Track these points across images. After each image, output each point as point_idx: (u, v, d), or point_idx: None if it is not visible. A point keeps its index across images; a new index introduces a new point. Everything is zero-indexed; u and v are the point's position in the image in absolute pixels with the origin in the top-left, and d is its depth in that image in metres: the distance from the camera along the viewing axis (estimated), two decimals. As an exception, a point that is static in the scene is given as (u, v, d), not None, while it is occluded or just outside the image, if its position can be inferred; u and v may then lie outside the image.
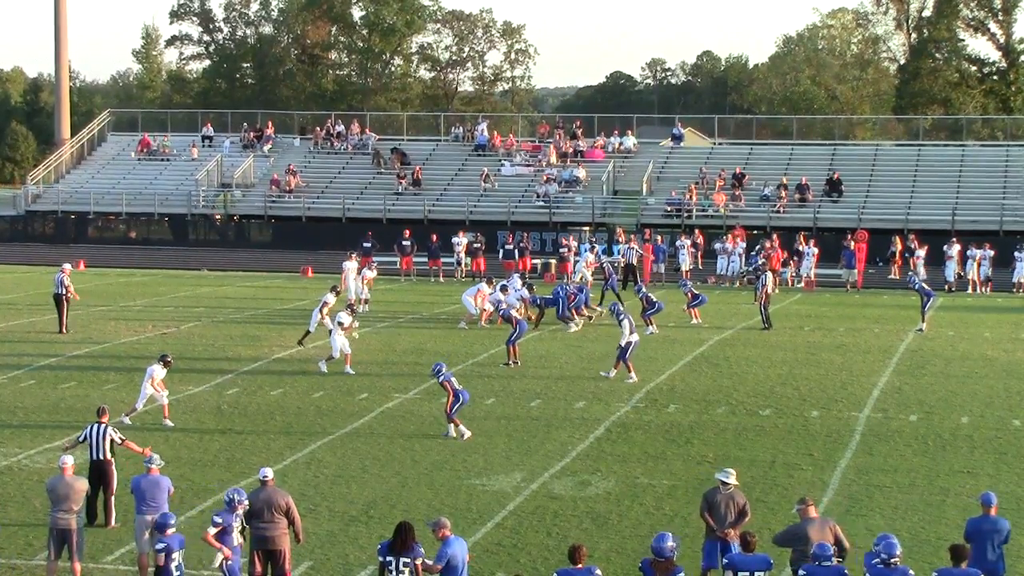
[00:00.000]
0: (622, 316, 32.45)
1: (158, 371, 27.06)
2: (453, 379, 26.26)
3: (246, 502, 16.95)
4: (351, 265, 45.14)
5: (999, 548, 16.27)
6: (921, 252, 53.10)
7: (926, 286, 40.78)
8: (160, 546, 16.05)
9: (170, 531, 16.20)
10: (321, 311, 35.87)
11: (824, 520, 16.35)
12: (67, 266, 40.54)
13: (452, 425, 26.04)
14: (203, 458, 24.39)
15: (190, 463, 23.83)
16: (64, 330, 38.93)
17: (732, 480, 17.36)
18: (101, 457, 20.37)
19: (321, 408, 28.66)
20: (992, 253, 52.54)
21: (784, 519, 20.60)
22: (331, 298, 36.31)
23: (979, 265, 52.10)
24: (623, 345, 31.79)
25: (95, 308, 44.88)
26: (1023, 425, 27.44)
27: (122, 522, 20.03)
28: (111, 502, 20.30)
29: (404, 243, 55.89)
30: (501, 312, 33.98)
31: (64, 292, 39.20)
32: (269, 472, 17.72)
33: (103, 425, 20.57)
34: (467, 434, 25.87)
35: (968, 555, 15.25)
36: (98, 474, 20.26)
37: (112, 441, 20.48)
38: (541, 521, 20.59)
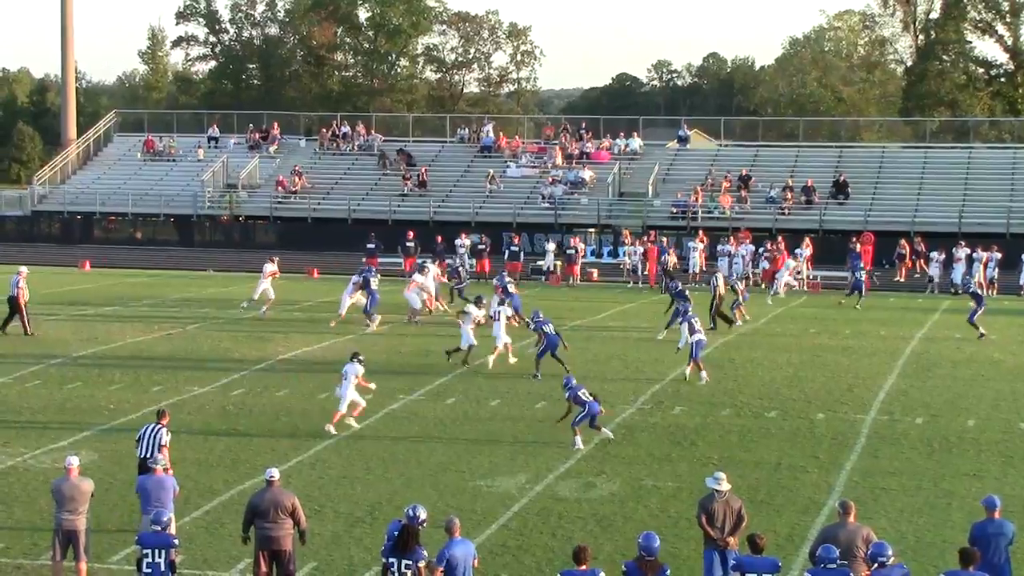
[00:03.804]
0: (689, 317, 32.78)
1: (359, 369, 27.01)
2: (582, 391, 25.80)
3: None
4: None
5: (1006, 551, 16.24)
6: (936, 254, 53.02)
7: (980, 291, 40.05)
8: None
9: (157, 528, 16.13)
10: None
11: (859, 527, 16.14)
12: (23, 269, 40.17)
13: (575, 435, 25.53)
14: (208, 459, 24.39)
15: (195, 464, 23.82)
16: (25, 333, 38.65)
17: (724, 486, 17.17)
18: (148, 456, 19.90)
19: (326, 409, 28.60)
20: (999, 255, 52.50)
21: (789, 521, 20.62)
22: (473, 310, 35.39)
23: (985, 267, 52.04)
24: (689, 344, 32.06)
25: (101, 308, 44.91)
26: (1029, 428, 27.41)
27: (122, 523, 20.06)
28: None
29: (408, 244, 55.92)
30: (532, 326, 33.73)
31: (18, 294, 38.87)
32: (275, 472, 17.70)
33: (160, 426, 20.23)
34: (579, 444, 25.37)
35: (977, 559, 15.20)
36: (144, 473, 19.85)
37: (160, 443, 19.98)
38: (546, 523, 20.58)
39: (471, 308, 34.84)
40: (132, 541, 18.09)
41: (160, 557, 15.94)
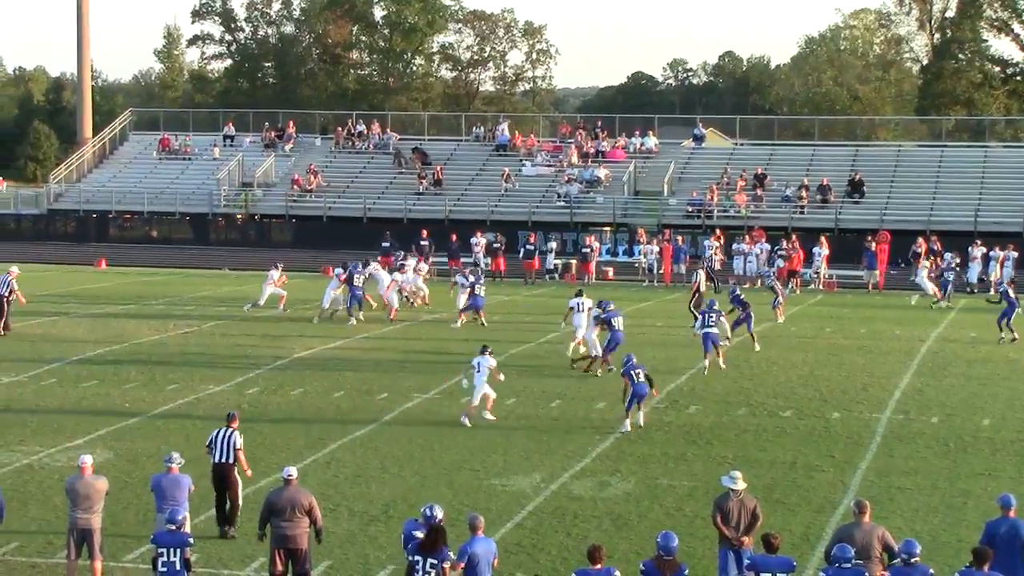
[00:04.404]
0: (705, 311, 33.82)
1: (491, 361, 27.68)
2: (636, 371, 26.70)
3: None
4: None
5: (1020, 550, 16.20)
6: (949, 256, 52.83)
7: (1011, 292, 39.83)
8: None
9: (172, 526, 16.16)
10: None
11: (874, 526, 16.10)
12: (14, 269, 40.18)
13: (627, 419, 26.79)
14: (223, 457, 24.37)
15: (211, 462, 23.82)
16: (4, 331, 38.68)
17: (740, 484, 17.16)
18: (224, 460, 19.83)
19: (341, 408, 28.69)
20: (1016, 254, 52.37)
21: (804, 520, 20.60)
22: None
23: (1002, 265, 51.91)
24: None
25: (117, 307, 45.02)
26: (1045, 427, 27.33)
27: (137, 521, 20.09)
28: (237, 508, 19.83)
29: (422, 243, 55.94)
30: (603, 315, 34.04)
31: (8, 294, 38.91)
32: (293, 471, 17.72)
33: (231, 430, 20.06)
34: (627, 428, 26.58)
35: (990, 558, 15.16)
36: (219, 478, 19.81)
37: (235, 447, 19.87)
38: (560, 522, 20.57)
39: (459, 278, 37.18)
40: (147, 540, 18.14)
41: (175, 556, 15.95)
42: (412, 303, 44.73)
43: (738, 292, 38.72)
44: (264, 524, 17.50)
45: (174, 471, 18.40)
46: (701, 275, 42.79)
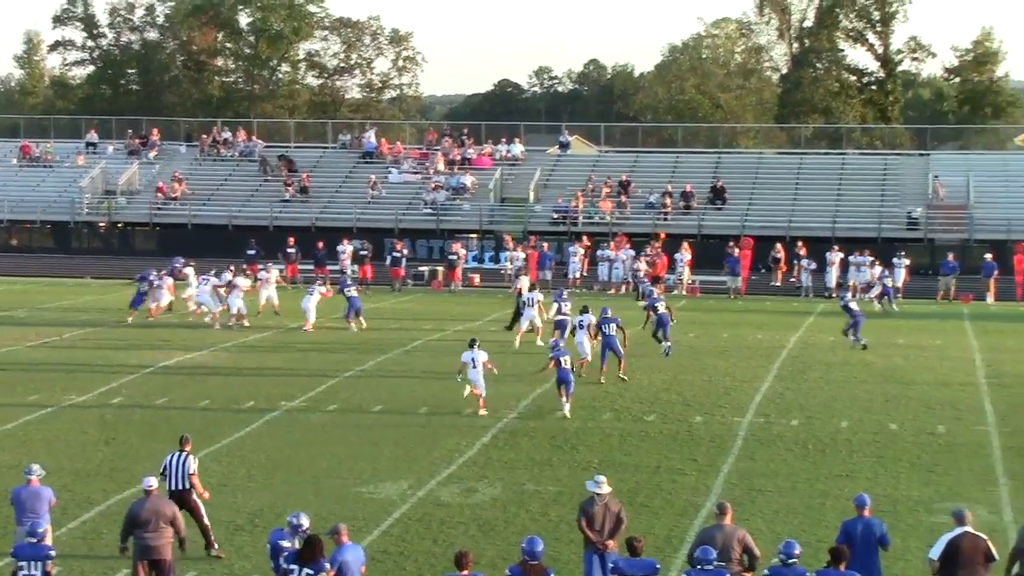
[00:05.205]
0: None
1: (484, 355, 29.00)
2: (564, 357, 28.76)
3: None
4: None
5: (875, 549, 16.63)
6: (806, 262, 53.82)
7: (854, 307, 39.96)
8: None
9: (33, 539, 15.98)
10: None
11: (735, 528, 16.38)
12: None
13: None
14: (86, 468, 24.15)
15: (72, 473, 23.58)
16: None
17: (605, 489, 17.35)
18: (179, 487, 19.33)
19: (207, 417, 28.49)
20: (871, 259, 53.47)
21: (668, 523, 20.91)
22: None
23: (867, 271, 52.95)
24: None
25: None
26: (900, 429, 28.01)
27: None
28: (207, 528, 19.39)
29: (289, 251, 55.70)
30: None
31: None
32: (153, 481, 17.60)
33: (185, 454, 19.59)
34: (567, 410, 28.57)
35: (847, 557, 15.53)
36: (179, 506, 19.01)
37: (188, 473, 19.42)
38: (428, 528, 20.68)
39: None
40: (7, 553, 17.90)
41: (36, 569, 15.77)
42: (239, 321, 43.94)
43: (655, 296, 39.76)
44: (126, 536, 17.37)
45: (34, 483, 18.16)
46: (524, 281, 43.36)
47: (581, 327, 34.06)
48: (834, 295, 51.75)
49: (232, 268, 45.04)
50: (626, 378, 33.02)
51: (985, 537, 16.17)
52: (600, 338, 33.51)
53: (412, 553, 19.49)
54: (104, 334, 40.75)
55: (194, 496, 19.47)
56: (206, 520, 19.48)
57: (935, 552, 16.00)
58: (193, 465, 19.56)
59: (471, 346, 29.22)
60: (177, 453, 19.65)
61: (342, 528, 15.89)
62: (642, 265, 52.87)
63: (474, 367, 28.76)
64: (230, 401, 30.22)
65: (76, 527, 20.11)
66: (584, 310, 34.82)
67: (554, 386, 29.42)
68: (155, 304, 44.21)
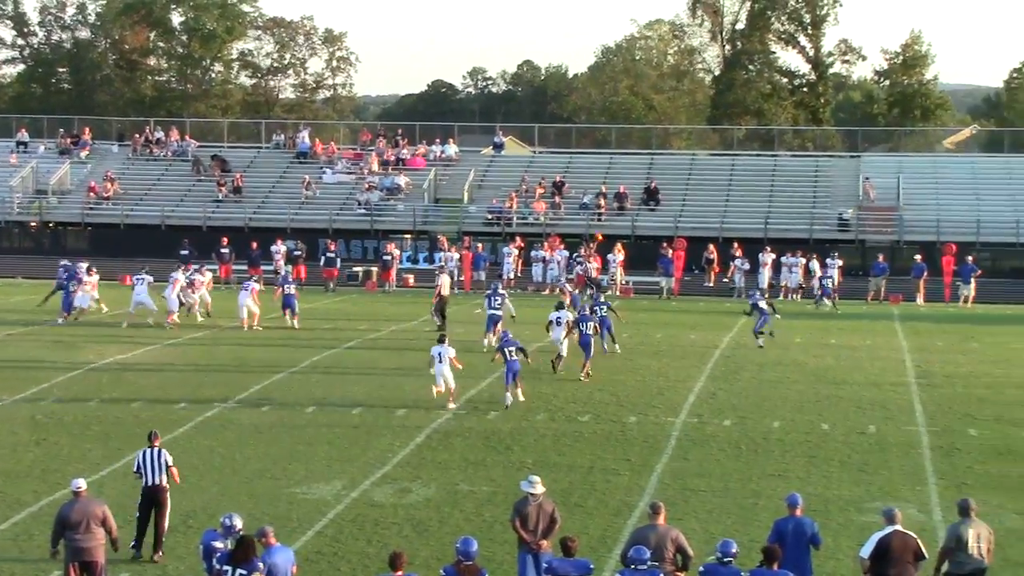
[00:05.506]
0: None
1: (451, 351, 29.52)
2: (511, 348, 29.71)
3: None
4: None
5: (807, 548, 16.78)
6: (739, 261, 54.16)
7: (763, 305, 40.30)
8: None
9: None
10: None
11: (668, 528, 16.43)
12: None
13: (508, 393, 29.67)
14: (16, 469, 23.94)
15: (3, 474, 23.39)
16: None
17: (538, 489, 17.40)
18: (157, 482, 19.21)
19: (140, 417, 28.29)
20: (803, 261, 53.94)
21: (602, 523, 21.00)
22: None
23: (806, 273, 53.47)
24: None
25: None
26: (831, 428, 28.25)
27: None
28: (163, 531, 19.22)
29: (223, 251, 55.45)
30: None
31: None
32: (82, 483, 17.49)
33: (157, 449, 19.44)
34: (509, 401, 29.60)
35: (780, 556, 15.65)
36: (152, 501, 19.15)
37: (167, 465, 19.31)
38: (361, 529, 20.66)
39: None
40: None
41: None
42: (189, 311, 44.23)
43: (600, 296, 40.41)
44: (57, 539, 17.24)
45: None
46: (444, 280, 43.43)
47: (558, 323, 34.59)
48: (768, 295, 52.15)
49: (188, 267, 45.60)
50: (586, 379, 33.41)
51: (915, 536, 16.37)
52: (578, 334, 33.90)
53: (346, 554, 19.47)
54: (34, 334, 40.38)
55: (168, 495, 19.41)
56: (166, 524, 19.38)
57: (865, 551, 16.17)
58: (170, 457, 19.56)
59: (440, 341, 29.87)
60: (149, 449, 19.57)
61: (269, 530, 15.86)
62: (591, 264, 53.31)
63: (440, 361, 29.32)
64: (162, 402, 30.04)
65: (7, 529, 19.94)
66: (559, 306, 35.54)
67: (500, 379, 30.20)
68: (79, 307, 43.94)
